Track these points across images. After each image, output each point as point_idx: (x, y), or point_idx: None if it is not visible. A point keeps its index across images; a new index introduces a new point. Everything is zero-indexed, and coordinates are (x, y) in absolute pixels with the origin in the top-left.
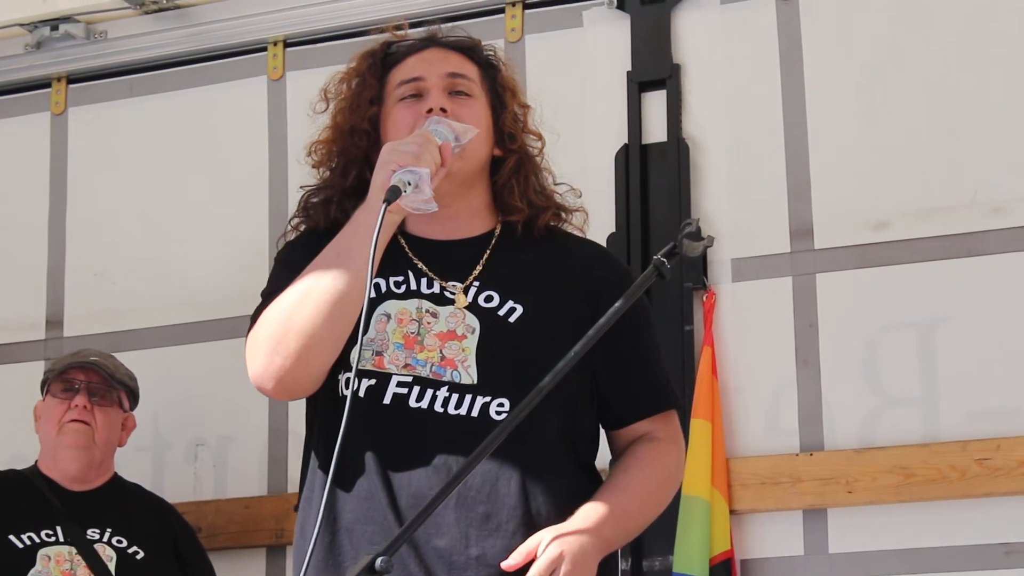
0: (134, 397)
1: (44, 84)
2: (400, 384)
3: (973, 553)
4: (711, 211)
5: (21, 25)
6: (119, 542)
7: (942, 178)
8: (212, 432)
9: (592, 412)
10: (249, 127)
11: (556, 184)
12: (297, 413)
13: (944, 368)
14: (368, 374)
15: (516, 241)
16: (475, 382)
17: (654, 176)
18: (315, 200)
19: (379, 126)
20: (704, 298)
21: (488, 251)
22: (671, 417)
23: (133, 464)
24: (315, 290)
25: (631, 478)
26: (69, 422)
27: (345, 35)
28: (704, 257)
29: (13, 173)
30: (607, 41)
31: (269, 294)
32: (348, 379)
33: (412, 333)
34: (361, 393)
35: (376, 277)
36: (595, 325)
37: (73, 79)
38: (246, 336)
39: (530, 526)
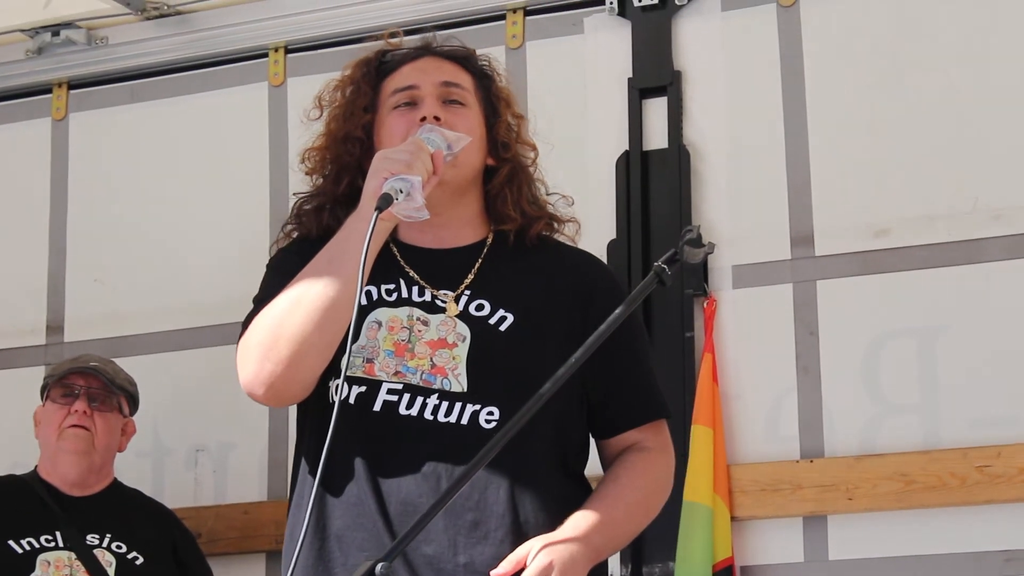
0: (134, 402)
1: (45, 90)
2: (390, 391)
3: (973, 561)
4: (712, 218)
5: (22, 31)
6: (119, 548)
7: (943, 185)
8: (212, 437)
9: (582, 421)
10: (250, 133)
11: (549, 194)
12: None
13: (945, 375)
14: (358, 381)
15: (508, 250)
16: (465, 390)
17: (655, 183)
18: (308, 207)
19: (373, 134)
20: (705, 305)
21: (480, 260)
22: (661, 426)
23: (133, 469)
24: (306, 297)
25: (621, 487)
26: (69, 427)
27: (346, 41)
28: (705, 264)
29: (14, 179)
30: (608, 48)
31: (261, 300)
32: (338, 386)
33: (403, 341)
34: (351, 400)
35: (367, 284)
36: (595, 332)
37: (74, 85)
38: (237, 342)
39: (518, 534)
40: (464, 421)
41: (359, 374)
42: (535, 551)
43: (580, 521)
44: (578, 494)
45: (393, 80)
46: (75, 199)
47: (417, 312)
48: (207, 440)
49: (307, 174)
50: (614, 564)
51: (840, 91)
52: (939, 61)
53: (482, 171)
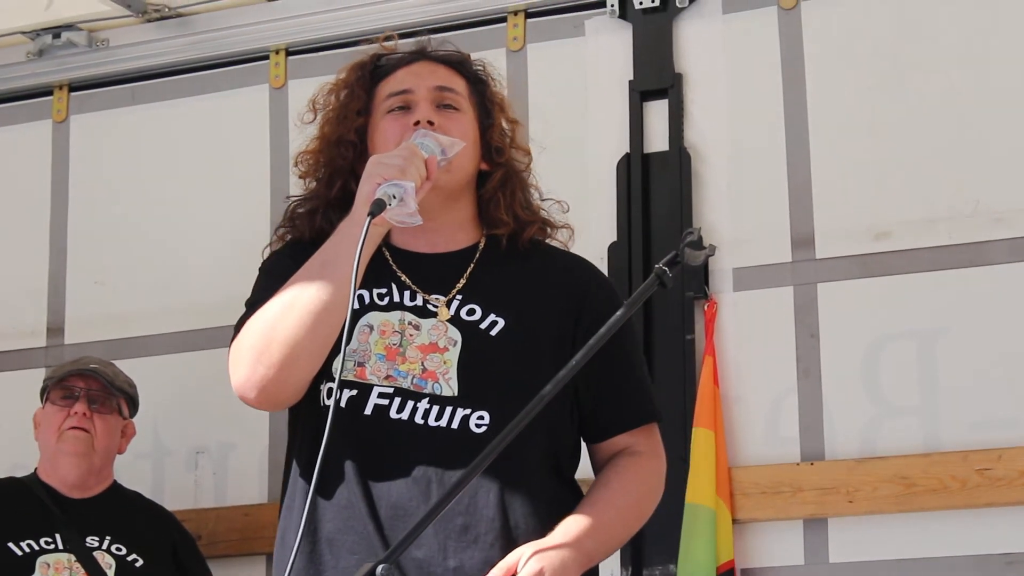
0: (134, 404)
1: (46, 92)
2: (381, 395)
3: (974, 563)
4: (713, 220)
5: (23, 33)
6: (118, 550)
7: (943, 188)
8: (212, 439)
9: (574, 425)
10: (251, 135)
11: (542, 200)
12: None
13: (945, 378)
14: (350, 385)
15: (500, 255)
16: (456, 394)
17: (656, 185)
18: (301, 210)
19: (366, 138)
20: (705, 307)
21: (472, 265)
22: (652, 430)
23: (133, 471)
24: (299, 301)
25: (612, 492)
26: (69, 429)
27: (347, 44)
28: (705, 266)
29: (15, 181)
30: (609, 50)
31: (253, 303)
32: (330, 389)
33: (394, 345)
34: (343, 403)
35: (360, 289)
36: (596, 335)
37: (75, 87)
38: (229, 345)
39: (508, 539)
40: (455, 425)
41: (350, 378)
42: (525, 557)
43: (571, 526)
44: (569, 499)
45: (387, 84)
46: (76, 201)
47: (409, 316)
48: (207, 442)
49: (300, 177)
50: (615, 566)
51: (841, 93)
52: (940, 63)
53: (475, 175)
